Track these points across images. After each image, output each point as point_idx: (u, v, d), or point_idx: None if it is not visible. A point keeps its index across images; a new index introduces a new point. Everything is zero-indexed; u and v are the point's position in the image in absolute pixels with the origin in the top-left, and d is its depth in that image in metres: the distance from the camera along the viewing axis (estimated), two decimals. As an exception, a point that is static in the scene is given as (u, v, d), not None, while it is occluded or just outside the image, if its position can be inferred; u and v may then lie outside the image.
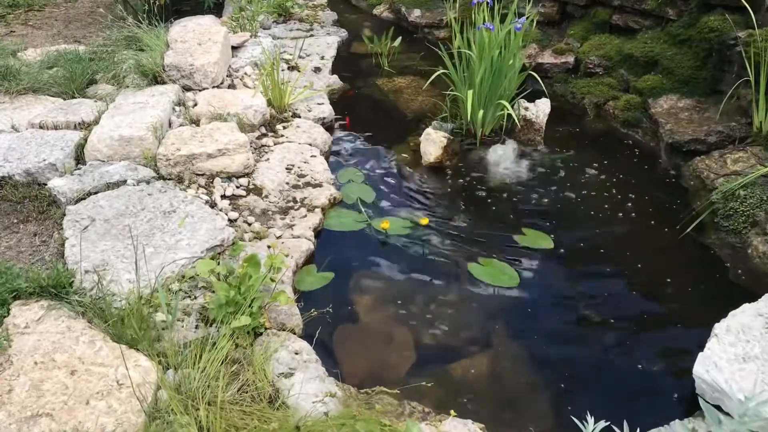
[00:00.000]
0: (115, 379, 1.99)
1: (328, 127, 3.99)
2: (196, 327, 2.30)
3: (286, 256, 2.53)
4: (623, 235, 3.08)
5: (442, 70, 3.82)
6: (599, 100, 4.27)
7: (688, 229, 3.03)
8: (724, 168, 3.34)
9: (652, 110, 3.92)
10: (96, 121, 3.42)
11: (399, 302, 2.67)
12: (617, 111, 4.12)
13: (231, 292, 2.22)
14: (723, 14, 3.77)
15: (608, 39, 4.52)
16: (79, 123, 3.45)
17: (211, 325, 2.29)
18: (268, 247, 2.44)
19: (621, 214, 3.23)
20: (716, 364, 2.08)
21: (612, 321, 2.58)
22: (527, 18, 3.71)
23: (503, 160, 3.65)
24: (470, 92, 3.54)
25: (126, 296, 2.29)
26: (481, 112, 3.66)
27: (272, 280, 2.37)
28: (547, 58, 4.65)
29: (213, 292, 2.43)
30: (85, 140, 3.24)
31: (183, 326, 2.29)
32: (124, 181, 3.03)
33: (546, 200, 3.36)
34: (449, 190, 3.46)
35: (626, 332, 2.53)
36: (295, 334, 2.34)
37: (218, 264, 2.54)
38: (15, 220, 2.85)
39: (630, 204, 3.31)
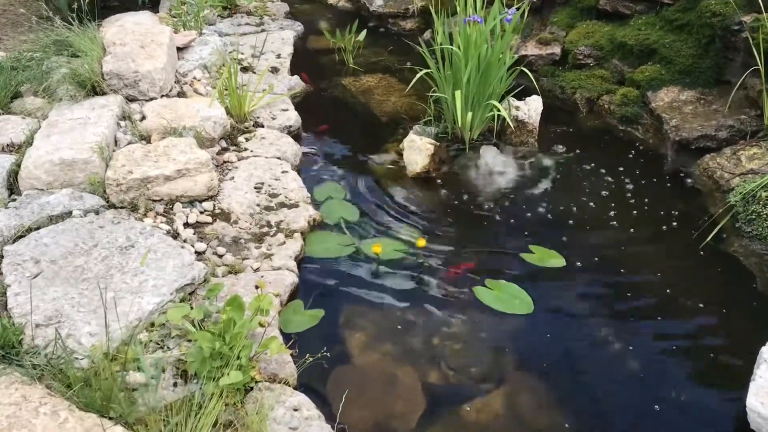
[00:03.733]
0: (88, 458, 1.85)
1: (296, 136, 3.90)
2: (175, 385, 2.18)
3: (276, 296, 2.43)
4: (638, 247, 3.07)
5: (425, 70, 3.76)
6: (592, 95, 4.29)
7: (709, 237, 3.03)
8: (739, 166, 3.37)
9: (652, 104, 3.94)
10: (29, 142, 3.24)
11: (400, 338, 2.60)
12: (613, 106, 4.14)
13: (216, 343, 2.11)
14: (725, -4, 3.81)
15: (597, 26, 4.53)
16: (8, 145, 3.27)
17: (192, 382, 2.17)
18: (256, 287, 2.34)
19: (632, 223, 3.23)
20: (770, 394, 2.06)
21: (638, 348, 2.55)
22: (518, 8, 3.67)
23: (497, 166, 3.63)
24: (458, 93, 3.49)
25: (89, 353, 2.15)
26: (469, 115, 3.61)
27: (261, 324, 2.27)
28: (531, 49, 4.64)
29: (189, 341, 2.31)
30: (18, 165, 3.06)
31: (159, 384, 2.16)
32: (70, 213, 2.88)
33: (549, 210, 3.34)
34: (442, 203, 3.41)
35: (656, 360, 2.51)
36: (289, 385, 2.25)
37: (192, 308, 2.41)
38: (-58, 266, 2.66)
39: (640, 210, 3.31)
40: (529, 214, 3.32)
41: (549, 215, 3.31)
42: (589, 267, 2.96)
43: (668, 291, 2.81)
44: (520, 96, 3.94)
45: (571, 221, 3.26)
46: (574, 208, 3.35)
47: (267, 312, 2.27)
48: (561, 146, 3.88)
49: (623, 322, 2.68)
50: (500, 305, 2.74)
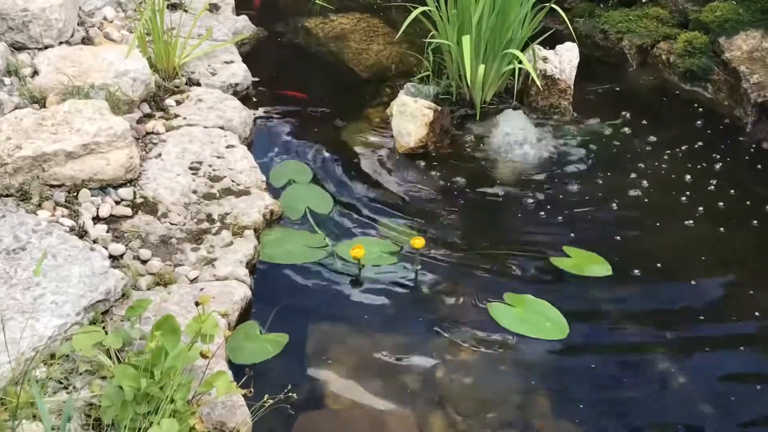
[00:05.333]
0: None
1: (244, 98, 3.90)
2: (85, 438, 2.18)
3: (223, 315, 2.43)
4: (710, 251, 3.11)
5: (420, 8, 3.75)
6: (645, 42, 4.34)
7: (804, 234, 3.08)
8: (843, 138, 3.42)
9: (726, 54, 3.98)
10: None
11: (390, 371, 2.61)
12: (673, 57, 4.19)
13: (142, 381, 2.10)
14: None
15: (651, -51, 4.57)
16: None
17: (108, 433, 2.17)
18: (196, 303, 2.34)
19: (702, 216, 3.26)
20: None
21: (711, 389, 2.57)
22: None
23: (518, 138, 3.66)
24: (466, 39, 3.49)
25: (-34, 396, 2.14)
26: (481, 68, 3.62)
27: (203, 355, 2.26)
28: (563, -20, 4.67)
29: (104, 378, 2.31)
30: None
31: (62, 438, 2.16)
32: (-64, 204, 2.87)
33: (588, 199, 3.38)
34: (444, 189, 3.44)
35: (733, 405, 2.52)
36: (242, 438, 2.25)
37: (107, 333, 2.41)
38: None
39: (711, 198, 3.36)
40: (563, 205, 3.35)
41: (589, 205, 3.34)
42: (644, 276, 2.98)
43: (757, 314, 2.83)
44: (549, 44, 3.95)
45: (619, 213, 3.30)
46: (624, 196, 3.38)
47: (211, 338, 2.26)
48: (603, 112, 3.91)
49: (691, 354, 2.70)
50: (524, 328, 2.76)
